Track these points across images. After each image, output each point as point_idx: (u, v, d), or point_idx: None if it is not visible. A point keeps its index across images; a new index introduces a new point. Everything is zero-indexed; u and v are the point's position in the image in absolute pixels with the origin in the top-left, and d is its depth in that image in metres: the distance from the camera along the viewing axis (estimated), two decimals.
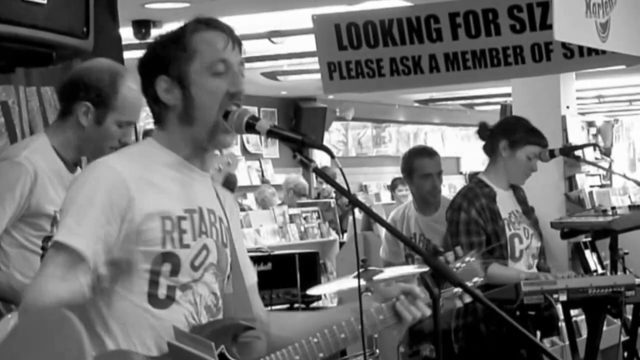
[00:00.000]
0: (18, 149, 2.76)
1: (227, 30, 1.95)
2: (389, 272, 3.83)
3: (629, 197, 6.32)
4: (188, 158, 1.95)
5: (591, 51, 4.54)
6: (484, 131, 3.85)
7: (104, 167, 1.87)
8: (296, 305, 5.06)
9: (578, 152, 4.53)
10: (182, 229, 1.88)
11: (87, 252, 1.79)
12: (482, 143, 3.91)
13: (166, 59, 1.92)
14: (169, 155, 1.94)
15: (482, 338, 3.60)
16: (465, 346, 3.68)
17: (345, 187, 1.86)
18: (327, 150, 1.86)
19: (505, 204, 3.73)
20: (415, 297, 2.08)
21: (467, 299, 2.15)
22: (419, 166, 4.49)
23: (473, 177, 3.85)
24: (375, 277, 3.70)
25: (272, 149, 12.04)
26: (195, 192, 1.94)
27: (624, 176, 4.70)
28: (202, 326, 1.89)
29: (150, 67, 1.95)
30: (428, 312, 2.09)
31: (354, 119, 13.33)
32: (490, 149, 3.80)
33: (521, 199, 3.85)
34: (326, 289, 4.61)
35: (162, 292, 1.86)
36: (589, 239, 5.17)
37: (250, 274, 2.11)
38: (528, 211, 3.84)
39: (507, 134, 3.75)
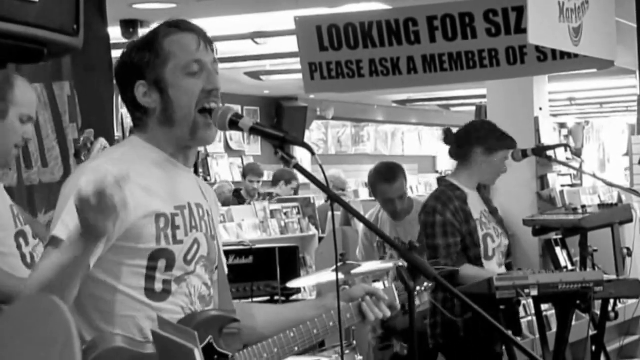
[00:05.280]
0: None
1: (198, 31, 2.00)
2: (367, 266, 3.91)
3: (599, 196, 6.40)
4: (173, 155, 2.00)
5: (564, 55, 4.60)
6: (450, 137, 3.88)
7: (94, 169, 1.91)
8: (276, 297, 5.13)
9: (550, 153, 4.58)
10: (176, 225, 1.94)
11: None
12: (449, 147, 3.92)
13: (142, 65, 1.96)
14: (154, 152, 1.98)
15: (459, 334, 3.63)
16: (443, 342, 3.72)
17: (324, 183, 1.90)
18: (307, 148, 1.91)
19: (476, 204, 3.77)
20: (379, 299, 2.19)
21: (418, 301, 2.29)
22: (381, 192, 4.57)
23: (442, 180, 3.85)
24: (353, 271, 3.77)
25: (254, 147, 12.09)
26: (183, 188, 2.00)
27: (594, 176, 4.79)
28: (190, 317, 1.95)
29: (127, 73, 1.98)
30: (389, 313, 2.21)
31: (334, 118, 13.40)
32: (462, 155, 3.82)
33: (486, 199, 3.89)
34: (305, 282, 4.68)
35: (158, 286, 1.92)
36: (560, 236, 5.24)
37: (224, 266, 2.18)
38: (493, 211, 3.88)
39: (482, 141, 3.77)
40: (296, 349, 2.08)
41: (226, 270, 2.18)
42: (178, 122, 1.96)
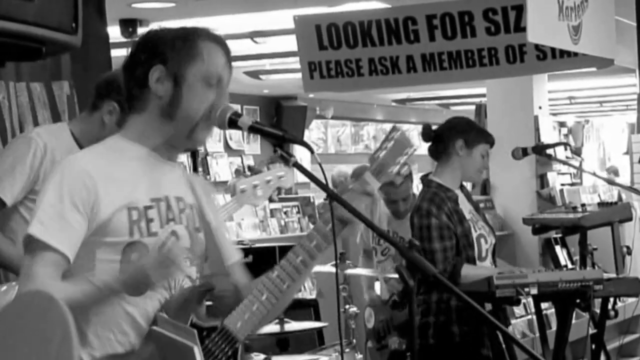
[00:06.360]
0: (33, 129, 2.89)
1: (227, 50, 2.02)
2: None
3: (599, 195, 6.42)
4: (156, 149, 1.99)
5: (563, 53, 4.62)
6: (429, 133, 3.77)
7: (71, 164, 1.92)
8: None
9: (550, 151, 4.59)
10: (149, 217, 1.93)
11: (64, 249, 1.85)
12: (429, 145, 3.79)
13: (169, 51, 1.95)
14: (136, 149, 1.98)
15: (453, 338, 3.58)
16: (435, 344, 3.68)
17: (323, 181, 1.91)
18: (306, 146, 1.91)
19: (465, 204, 3.71)
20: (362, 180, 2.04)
21: (399, 179, 2.12)
22: (385, 192, 4.53)
23: (430, 181, 3.75)
24: (347, 271, 3.73)
25: (253, 146, 12.10)
26: (162, 181, 1.99)
27: (594, 174, 4.80)
28: (167, 304, 1.92)
29: (150, 52, 1.97)
30: (377, 184, 2.05)
31: (333, 117, 13.40)
32: (442, 151, 3.73)
33: (469, 197, 3.82)
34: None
35: None
36: (560, 235, 5.26)
37: (232, 252, 2.13)
38: (477, 207, 3.82)
39: (462, 134, 3.69)
40: (285, 286, 1.96)
41: (237, 255, 2.11)
42: (177, 120, 1.96)
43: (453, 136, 3.70)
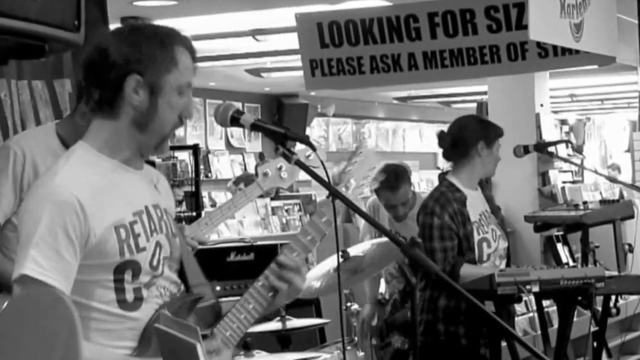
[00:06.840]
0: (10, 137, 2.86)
1: (195, 53, 1.96)
2: (363, 245, 3.80)
3: (600, 192, 6.42)
4: (125, 161, 1.95)
5: (565, 51, 4.61)
6: (445, 139, 3.74)
7: (57, 191, 1.84)
8: None
9: (551, 149, 4.59)
10: (136, 233, 1.90)
11: (61, 286, 1.81)
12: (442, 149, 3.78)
13: (146, 60, 1.89)
14: (106, 161, 1.93)
15: (438, 336, 3.59)
16: (423, 341, 3.62)
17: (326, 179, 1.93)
18: (308, 143, 1.92)
19: (476, 205, 3.68)
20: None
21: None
22: (384, 197, 4.52)
23: (443, 179, 3.72)
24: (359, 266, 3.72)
25: (255, 144, 12.12)
26: (138, 192, 1.96)
27: (596, 172, 4.81)
28: (157, 318, 1.91)
29: (127, 57, 1.88)
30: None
31: (334, 115, 13.42)
32: (462, 153, 3.70)
33: (488, 198, 3.81)
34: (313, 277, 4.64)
35: (129, 296, 1.91)
36: (561, 232, 5.24)
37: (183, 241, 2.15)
38: (495, 210, 3.81)
39: (481, 135, 3.68)
40: (270, 294, 2.05)
41: (180, 244, 2.12)
42: (150, 130, 1.92)
43: (473, 139, 3.69)
